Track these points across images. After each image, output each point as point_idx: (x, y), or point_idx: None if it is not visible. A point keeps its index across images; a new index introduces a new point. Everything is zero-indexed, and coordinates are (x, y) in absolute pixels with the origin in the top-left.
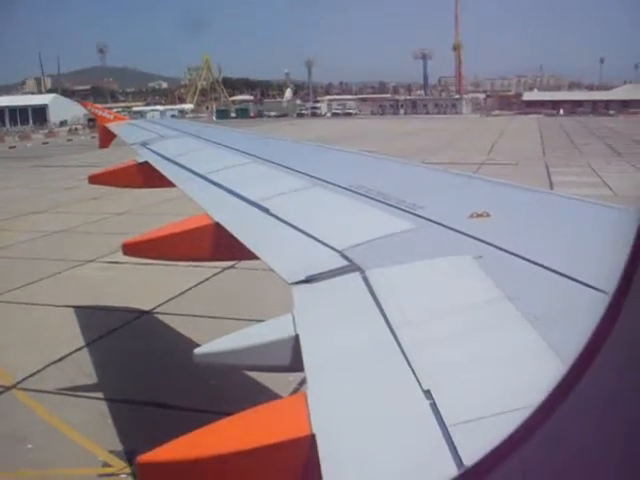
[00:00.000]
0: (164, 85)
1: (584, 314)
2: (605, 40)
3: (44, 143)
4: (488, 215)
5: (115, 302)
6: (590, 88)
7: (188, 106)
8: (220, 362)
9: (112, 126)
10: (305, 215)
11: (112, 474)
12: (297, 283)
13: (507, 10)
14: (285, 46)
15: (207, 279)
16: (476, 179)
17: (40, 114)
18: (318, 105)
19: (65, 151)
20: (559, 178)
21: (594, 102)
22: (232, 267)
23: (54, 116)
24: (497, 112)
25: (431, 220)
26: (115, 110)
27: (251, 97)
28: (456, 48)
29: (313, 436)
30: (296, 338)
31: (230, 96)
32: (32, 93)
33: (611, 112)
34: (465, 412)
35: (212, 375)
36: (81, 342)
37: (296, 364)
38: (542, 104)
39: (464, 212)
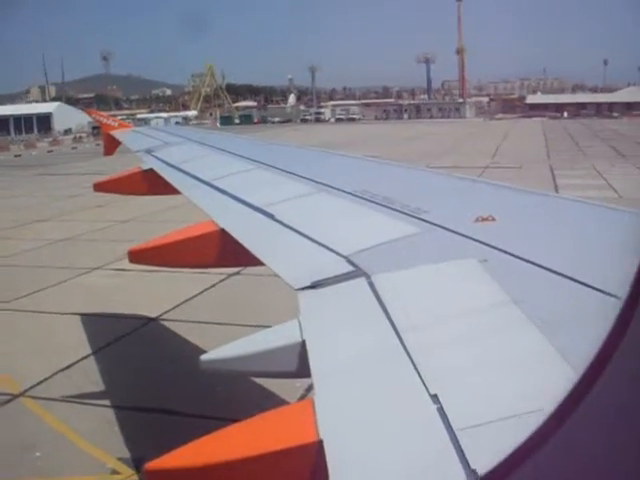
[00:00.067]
0: (168, 92)
1: (590, 317)
2: (608, 42)
3: (49, 151)
4: (493, 219)
5: (121, 309)
6: (594, 90)
7: (192, 113)
8: (226, 369)
9: (117, 133)
10: (310, 221)
11: None
12: (303, 289)
13: (510, 13)
14: (288, 52)
15: (213, 285)
16: (481, 183)
17: (44, 122)
18: (322, 110)
19: (70, 159)
20: (564, 181)
21: (598, 104)
22: (238, 273)
23: (58, 124)
24: (501, 115)
25: (436, 224)
26: (119, 117)
27: (255, 103)
28: (459, 52)
29: (321, 442)
30: (302, 344)
31: (234, 102)
32: (36, 101)
33: (615, 114)
34: (472, 416)
35: (219, 382)
36: (88, 350)
37: (303, 370)
38: (546, 107)
39: (469, 216)
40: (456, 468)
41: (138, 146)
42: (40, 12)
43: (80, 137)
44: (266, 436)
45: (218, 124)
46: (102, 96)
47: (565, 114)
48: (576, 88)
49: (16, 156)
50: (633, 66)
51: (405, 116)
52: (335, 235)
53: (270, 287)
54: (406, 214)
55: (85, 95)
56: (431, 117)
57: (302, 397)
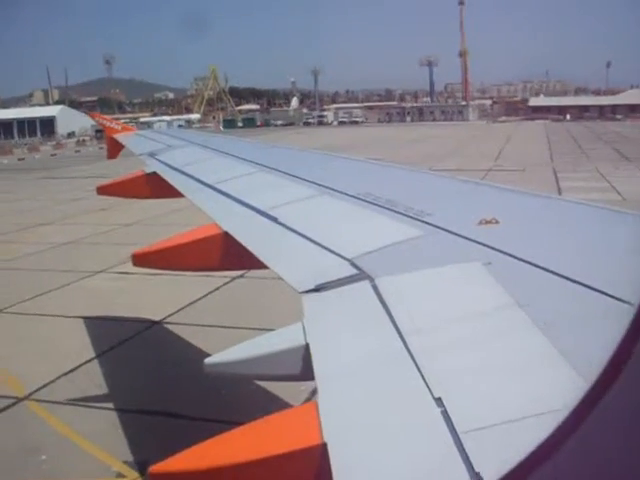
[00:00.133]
0: (171, 95)
1: (595, 320)
2: (611, 44)
3: (52, 155)
4: (497, 222)
5: (125, 313)
6: (597, 93)
7: (195, 116)
8: (230, 372)
9: (120, 137)
10: (314, 223)
11: None
12: (307, 292)
13: (512, 16)
14: (291, 55)
15: (217, 288)
16: (484, 186)
17: (48, 126)
18: (325, 113)
19: (73, 162)
20: (567, 184)
21: (601, 107)
22: (242, 276)
23: (62, 128)
24: (504, 118)
25: (440, 227)
26: (122, 121)
27: (258, 106)
28: (462, 55)
29: (325, 445)
30: (306, 347)
31: (237, 105)
32: (40, 105)
33: (618, 117)
34: (476, 420)
35: (223, 385)
36: (92, 353)
37: (306, 373)
38: (549, 109)
39: (473, 219)
40: (460, 471)
41: (141, 149)
42: (43, 17)
43: (83, 140)
44: (270, 439)
45: (221, 127)
46: (105, 99)
47: (568, 117)
48: (579, 91)
49: (20, 159)
50: (636, 68)
51: (408, 119)
52: (339, 238)
53: (274, 290)
54: (409, 217)
55: (88, 98)
56: (434, 120)
57: (306, 400)
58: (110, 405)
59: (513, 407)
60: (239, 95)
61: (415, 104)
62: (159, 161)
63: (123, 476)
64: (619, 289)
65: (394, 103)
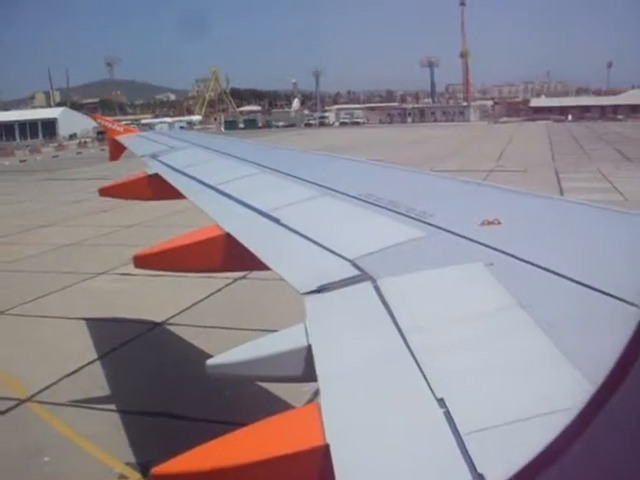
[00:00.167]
0: (172, 97)
1: (597, 320)
2: (612, 45)
3: (54, 156)
4: (499, 222)
5: (127, 314)
6: (598, 93)
7: (196, 117)
8: (232, 373)
9: (122, 138)
10: (315, 225)
11: None
12: (309, 293)
13: (513, 17)
14: (292, 56)
15: (219, 290)
16: (486, 186)
17: (49, 128)
18: (326, 115)
19: (75, 164)
20: (569, 184)
21: (602, 107)
22: (244, 277)
23: (63, 129)
24: (505, 119)
25: (442, 228)
26: (124, 122)
27: (259, 107)
28: (463, 55)
29: (327, 446)
30: (309, 348)
31: (238, 107)
32: (41, 107)
33: (619, 117)
34: (479, 420)
35: (226, 386)
36: (94, 354)
37: (309, 374)
38: (550, 110)
39: (474, 220)
40: (463, 472)
41: (143, 151)
42: (45, 18)
43: (85, 142)
44: (272, 440)
45: (222, 129)
46: (106, 101)
47: (569, 117)
48: (580, 91)
49: (21, 161)
50: (637, 69)
51: (409, 120)
52: (340, 239)
53: (276, 291)
54: (411, 218)
55: (90, 100)
56: (435, 121)
57: (309, 401)
58: (112, 407)
59: (516, 408)
60: (240, 96)
61: (416, 105)
62: (161, 162)
63: (125, 477)
64: (621, 290)
65: (395, 104)
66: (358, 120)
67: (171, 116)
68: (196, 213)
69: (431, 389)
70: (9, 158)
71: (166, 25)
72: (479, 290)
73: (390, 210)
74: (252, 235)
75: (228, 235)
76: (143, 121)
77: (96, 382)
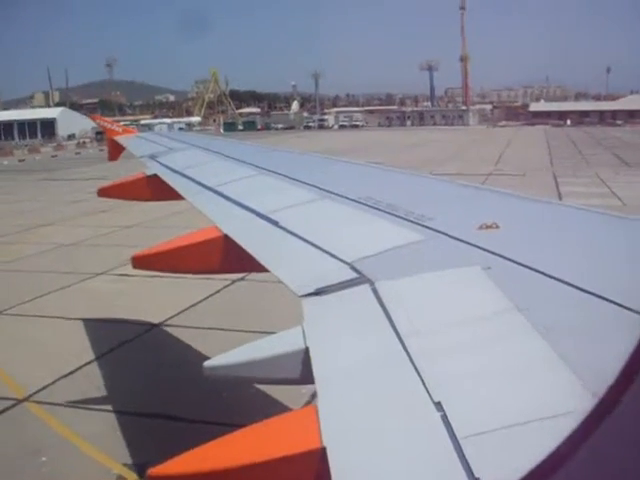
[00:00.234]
0: (171, 98)
1: (595, 325)
2: (611, 50)
3: (53, 156)
4: (497, 226)
5: (125, 315)
6: (597, 98)
7: (195, 119)
8: (230, 375)
9: (121, 139)
10: (314, 227)
11: None
12: (307, 295)
13: (513, 21)
14: (292, 59)
15: (217, 291)
16: (484, 190)
17: (48, 127)
18: (325, 117)
19: (73, 164)
20: (567, 189)
21: (601, 112)
22: (242, 279)
23: (62, 129)
24: (504, 123)
25: (440, 231)
26: (123, 123)
27: (258, 110)
28: (463, 59)
29: (324, 449)
30: (306, 351)
31: (237, 109)
32: (40, 107)
33: (618, 122)
34: (476, 424)
35: (224, 387)
36: (92, 355)
37: (306, 376)
38: (549, 115)
39: (473, 223)
40: (460, 476)
41: (142, 152)
42: (44, 18)
43: (84, 142)
44: (269, 443)
45: (222, 130)
46: (106, 102)
47: (568, 122)
48: (579, 96)
49: (20, 161)
50: (636, 74)
51: (408, 123)
52: (339, 242)
53: (274, 293)
54: (410, 221)
55: (89, 100)
56: (434, 124)
57: (307, 403)
58: (110, 407)
59: (513, 412)
60: (240, 98)
61: (415, 108)
62: (160, 163)
63: (123, 478)
64: (619, 294)
65: (394, 107)
66: (357, 123)
67: (170, 117)
68: (195, 214)
69: (428, 393)
70: (8, 157)
71: (166, 26)
72: (477, 294)
73: (389, 213)
74: (250, 237)
75: (226, 237)
76: (142, 122)
77: (94, 383)
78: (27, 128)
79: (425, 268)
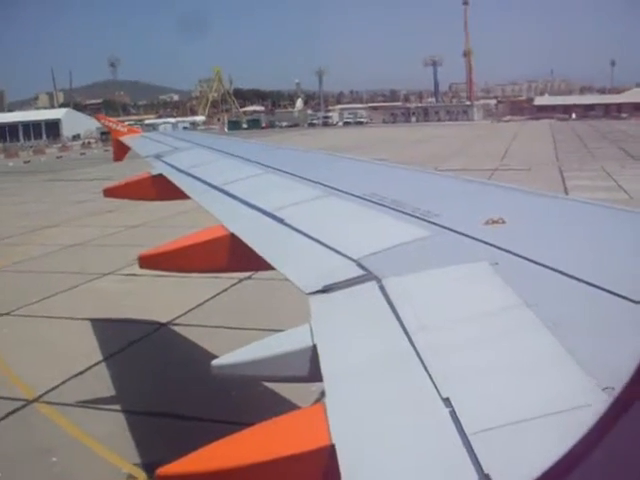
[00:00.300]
0: (175, 97)
1: (603, 320)
2: (616, 43)
3: (58, 157)
4: (503, 221)
5: (133, 314)
6: (602, 92)
7: (200, 118)
8: (238, 373)
9: (126, 139)
10: (320, 224)
11: None
12: (314, 293)
13: (516, 15)
14: (295, 56)
15: (224, 290)
16: (490, 185)
17: (53, 128)
18: (329, 114)
19: (78, 165)
20: (573, 182)
21: (606, 105)
22: (249, 278)
23: (67, 130)
24: (509, 117)
25: (446, 227)
26: (127, 123)
27: (262, 108)
28: (466, 54)
29: (332, 446)
30: (314, 348)
31: (241, 107)
32: (45, 108)
33: (623, 115)
34: (485, 420)
35: (232, 386)
36: (100, 355)
37: (314, 374)
38: (554, 109)
39: (479, 219)
40: (469, 472)
41: (147, 151)
42: (47, 20)
43: (89, 143)
44: (278, 441)
45: (226, 129)
46: (110, 102)
47: (573, 115)
48: (584, 89)
49: (25, 162)
50: None
51: (413, 119)
52: (345, 239)
53: (281, 291)
54: (416, 217)
55: (93, 101)
56: (439, 120)
57: (317, 401)
58: (119, 407)
59: (522, 408)
60: (244, 97)
61: (420, 104)
62: (165, 163)
63: (134, 478)
64: (628, 289)
65: (399, 103)
66: (361, 120)
67: (174, 116)
68: (200, 213)
69: (437, 389)
70: (13, 159)
71: (169, 25)
72: (484, 289)
73: (394, 210)
74: (257, 235)
75: (233, 235)
76: (146, 121)
77: (103, 383)
78: (32, 129)
79: (432, 264)
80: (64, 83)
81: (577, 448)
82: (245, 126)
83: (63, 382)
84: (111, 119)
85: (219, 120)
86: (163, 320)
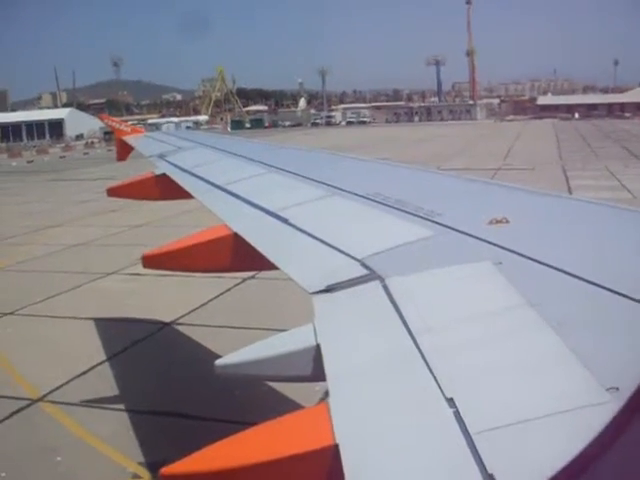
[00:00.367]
0: (178, 97)
1: (607, 319)
2: (619, 42)
3: (61, 157)
4: (507, 221)
5: (137, 314)
6: (605, 91)
7: (203, 117)
8: (241, 373)
9: (129, 139)
10: (324, 224)
11: None
12: (317, 292)
13: (519, 14)
14: (298, 56)
15: (228, 290)
16: (494, 185)
17: (56, 128)
18: (332, 114)
19: (82, 165)
20: (577, 182)
21: (609, 105)
22: (253, 277)
23: (70, 130)
24: (512, 117)
25: (450, 227)
26: (130, 122)
27: (265, 107)
28: (469, 54)
29: (336, 446)
30: (317, 348)
31: (244, 107)
32: (48, 108)
33: (627, 115)
34: (489, 420)
35: (236, 386)
36: (104, 355)
37: (318, 374)
38: (557, 108)
39: (483, 218)
40: (473, 472)
41: (151, 151)
42: (50, 20)
43: (92, 142)
44: (281, 440)
45: (229, 128)
46: (113, 101)
47: (576, 115)
48: (587, 89)
49: (29, 162)
50: None
51: (416, 118)
52: (349, 238)
53: (285, 291)
54: (419, 217)
55: (96, 101)
56: (442, 119)
57: (321, 401)
58: (123, 406)
59: (526, 407)
60: (247, 96)
61: (423, 104)
62: (168, 163)
63: (139, 477)
64: (631, 288)
65: (402, 103)
66: (365, 119)
67: (177, 116)
68: (204, 213)
69: (440, 389)
70: (16, 159)
71: (172, 25)
72: (488, 289)
73: (398, 209)
74: (260, 235)
75: (236, 235)
76: (149, 121)
77: (107, 382)
78: (35, 129)
79: (435, 264)
80: (67, 83)
81: (585, 451)
82: (248, 126)
83: (67, 382)
84: (114, 119)
85: (222, 120)
86: (167, 320)
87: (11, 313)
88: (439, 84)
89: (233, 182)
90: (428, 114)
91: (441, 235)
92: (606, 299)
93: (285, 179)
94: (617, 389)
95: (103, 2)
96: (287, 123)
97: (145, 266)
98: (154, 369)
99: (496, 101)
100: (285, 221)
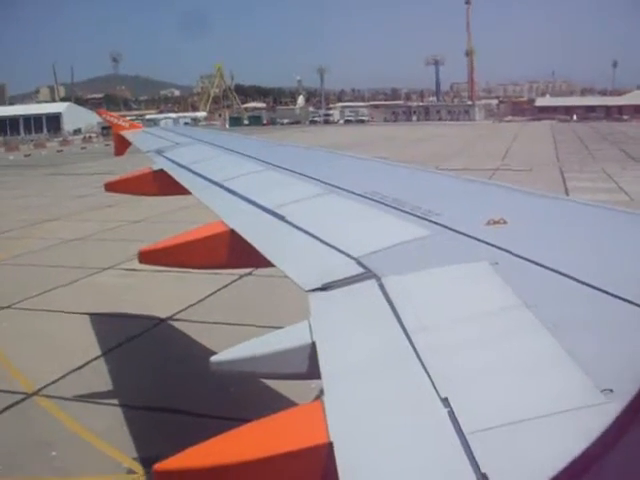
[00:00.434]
0: (177, 93)
1: (603, 322)
2: (618, 44)
3: (59, 151)
4: (504, 222)
5: (132, 309)
6: (603, 93)
7: (201, 114)
8: (236, 370)
9: (127, 134)
10: (321, 222)
11: None
12: (313, 290)
13: (518, 15)
14: (297, 53)
15: (224, 286)
16: (492, 185)
17: (54, 122)
18: (331, 112)
19: (79, 159)
20: (574, 184)
21: (607, 107)
22: (249, 274)
23: (68, 124)
24: (510, 118)
25: (447, 227)
26: (128, 118)
27: (264, 104)
28: (468, 54)
29: (330, 444)
30: (312, 345)
31: (243, 103)
32: (46, 102)
33: (625, 117)
34: (483, 420)
35: (230, 382)
36: (100, 350)
37: (313, 372)
38: (555, 110)
39: (480, 219)
40: (466, 472)
41: (148, 146)
42: (49, 14)
43: (89, 137)
44: (275, 438)
45: (227, 125)
46: (111, 96)
47: (574, 117)
48: (585, 91)
49: (26, 156)
50: None
51: (414, 118)
52: (345, 237)
53: (281, 288)
54: (417, 216)
55: (94, 95)
56: (440, 119)
57: (316, 398)
58: (118, 401)
59: (520, 408)
60: (245, 93)
61: (421, 103)
62: (166, 158)
63: (134, 472)
64: (627, 290)
65: (400, 102)
66: (363, 118)
67: (176, 112)
68: (201, 209)
69: (435, 388)
70: (14, 152)
71: (171, 21)
72: (484, 289)
73: (395, 208)
74: (257, 232)
75: (233, 231)
76: (147, 117)
77: (102, 377)
78: (33, 123)
79: (432, 263)
80: (65, 77)
81: (582, 453)
82: (246, 122)
83: (63, 376)
84: (112, 114)
85: (220, 116)
86: (163, 315)
87: (7, 307)
88: (438, 84)
89: (230, 179)
90: (426, 114)
91: (438, 235)
92: (602, 301)
93: (282, 176)
94: (611, 391)
95: None
96: (285, 120)
97: (141, 262)
98: (149, 365)
99: (494, 102)
100: (282, 218)
